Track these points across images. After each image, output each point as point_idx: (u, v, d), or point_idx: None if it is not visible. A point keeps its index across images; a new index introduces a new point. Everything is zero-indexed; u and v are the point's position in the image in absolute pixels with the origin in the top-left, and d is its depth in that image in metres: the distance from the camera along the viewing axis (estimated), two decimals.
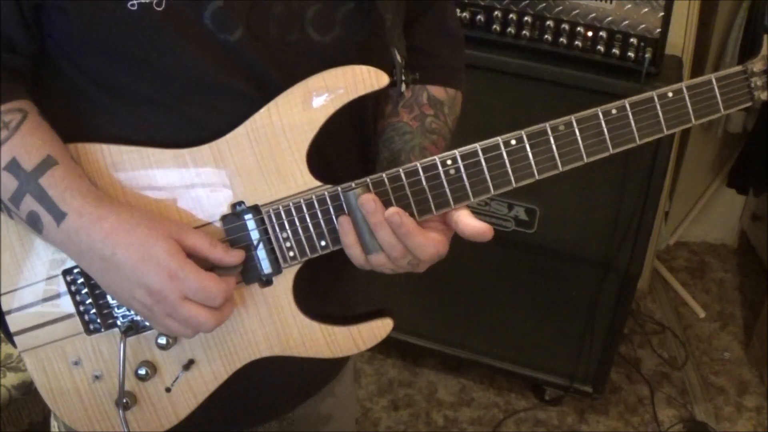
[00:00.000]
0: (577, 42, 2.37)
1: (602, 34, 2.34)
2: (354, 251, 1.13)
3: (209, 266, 1.09)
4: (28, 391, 2.19)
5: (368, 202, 1.10)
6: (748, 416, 3.06)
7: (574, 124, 1.11)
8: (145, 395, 1.20)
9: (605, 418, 3.02)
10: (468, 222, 1.13)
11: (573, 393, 2.93)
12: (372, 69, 1.11)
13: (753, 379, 3.22)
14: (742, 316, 3.54)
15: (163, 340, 1.17)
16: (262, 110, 1.11)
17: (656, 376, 3.22)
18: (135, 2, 1.02)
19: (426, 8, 1.33)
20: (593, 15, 2.33)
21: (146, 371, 1.18)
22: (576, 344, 2.82)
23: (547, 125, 1.11)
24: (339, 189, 1.12)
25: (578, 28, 2.36)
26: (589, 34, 2.35)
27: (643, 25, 2.29)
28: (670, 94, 1.13)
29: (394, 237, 1.11)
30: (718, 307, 3.61)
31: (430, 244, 1.12)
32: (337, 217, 1.13)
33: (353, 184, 1.12)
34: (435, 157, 1.11)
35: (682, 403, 3.10)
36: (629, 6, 2.29)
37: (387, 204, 1.12)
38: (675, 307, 3.60)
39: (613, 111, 1.12)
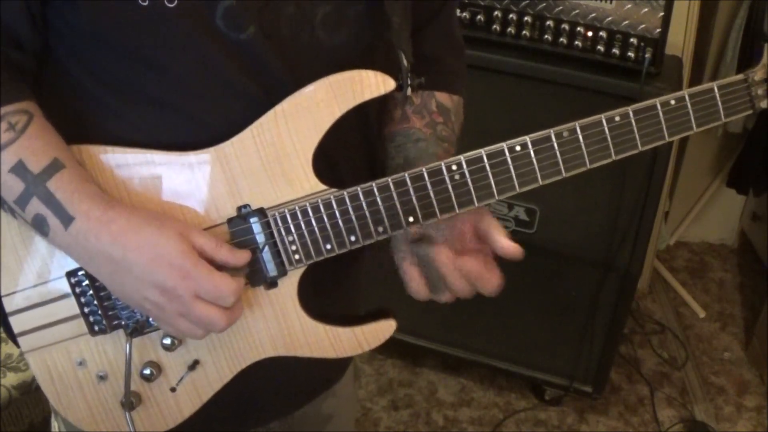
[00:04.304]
0: (577, 42, 2.37)
1: (602, 34, 2.34)
2: (420, 294, 1.19)
3: (215, 267, 1.09)
4: (28, 391, 2.19)
5: (441, 257, 1.14)
6: (748, 416, 3.06)
7: (578, 130, 1.12)
8: (150, 395, 1.21)
9: (605, 418, 3.03)
10: (497, 239, 1.16)
11: (573, 393, 2.93)
12: (378, 74, 1.11)
13: (753, 379, 3.22)
14: (742, 316, 3.55)
15: (168, 341, 1.17)
16: (269, 113, 1.11)
17: (656, 376, 3.22)
18: None
19: (434, 15, 1.33)
20: (593, 15, 2.33)
21: (151, 371, 1.19)
22: (576, 344, 2.82)
23: (552, 132, 1.12)
24: (345, 193, 1.12)
25: (578, 28, 2.36)
26: (589, 34, 2.36)
27: (643, 25, 2.29)
28: (673, 102, 1.13)
29: (465, 283, 1.16)
30: (718, 307, 3.61)
31: (496, 281, 1.17)
32: (343, 222, 1.13)
33: (359, 189, 1.12)
34: (440, 162, 1.12)
35: (682, 403, 3.10)
36: (629, 6, 2.29)
37: (392, 208, 1.13)
38: (675, 307, 3.60)
39: (617, 118, 1.12)
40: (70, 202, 1.06)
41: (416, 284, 1.17)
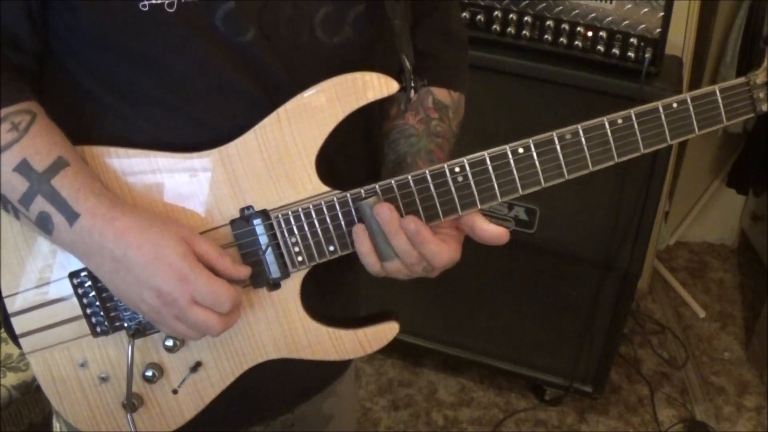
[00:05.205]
0: (577, 42, 2.38)
1: (602, 34, 2.34)
2: (369, 259, 1.14)
3: (215, 274, 1.09)
4: (28, 391, 2.19)
5: (383, 211, 1.10)
6: (748, 416, 3.06)
7: (581, 133, 1.12)
8: (152, 397, 1.21)
9: (605, 418, 3.03)
10: (485, 227, 1.14)
11: (573, 393, 2.93)
12: (382, 76, 1.11)
13: (753, 379, 3.23)
14: (742, 316, 3.55)
15: (170, 343, 1.17)
16: (272, 115, 1.11)
17: (656, 376, 3.22)
18: (146, 3, 1.02)
19: (429, 11, 1.33)
20: (593, 15, 2.33)
21: (153, 373, 1.19)
22: (576, 344, 2.83)
23: (554, 134, 1.12)
24: (348, 195, 1.13)
25: (578, 28, 2.37)
26: (589, 34, 2.36)
27: (643, 25, 2.30)
28: (675, 105, 1.14)
29: (409, 244, 1.12)
30: (718, 307, 3.61)
31: (445, 252, 1.13)
32: (346, 223, 1.13)
33: (362, 191, 1.12)
34: (444, 164, 1.12)
35: (682, 403, 3.10)
36: (629, 6, 2.29)
37: (396, 210, 1.12)
38: (675, 307, 3.60)
39: (619, 121, 1.13)
40: (75, 200, 1.06)
41: (365, 246, 1.13)
